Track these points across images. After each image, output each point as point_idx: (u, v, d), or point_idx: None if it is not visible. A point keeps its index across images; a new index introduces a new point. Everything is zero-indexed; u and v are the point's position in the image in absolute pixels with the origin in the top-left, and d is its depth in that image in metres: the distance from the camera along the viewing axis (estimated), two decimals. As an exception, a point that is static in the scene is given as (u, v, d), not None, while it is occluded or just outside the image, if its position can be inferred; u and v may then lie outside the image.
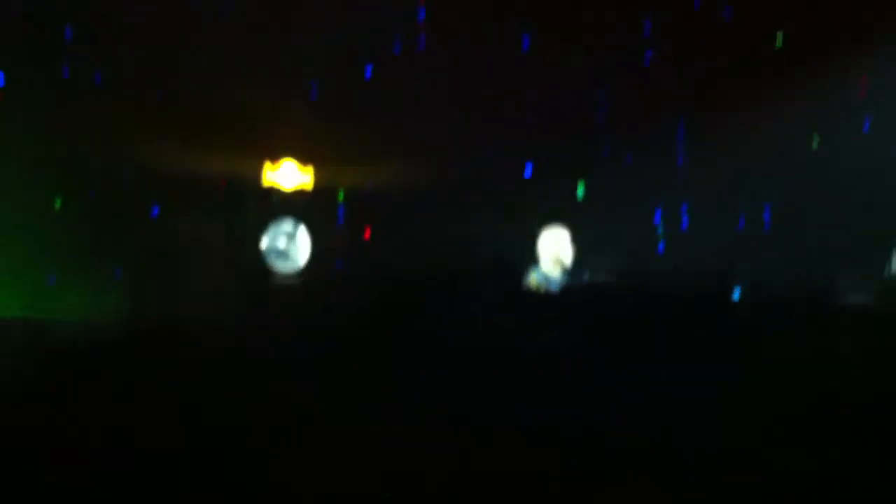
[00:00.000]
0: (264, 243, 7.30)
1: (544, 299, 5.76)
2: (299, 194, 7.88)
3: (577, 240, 6.36)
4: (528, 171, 8.51)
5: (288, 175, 7.92)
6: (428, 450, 3.50)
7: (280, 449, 3.52)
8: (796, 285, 6.72)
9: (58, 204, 7.66)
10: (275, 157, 8.03)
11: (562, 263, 6.30)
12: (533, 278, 6.25)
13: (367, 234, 8.18)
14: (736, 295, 5.66)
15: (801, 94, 7.76)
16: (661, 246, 8.43)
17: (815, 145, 8.11)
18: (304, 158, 8.08)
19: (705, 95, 8.17)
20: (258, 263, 7.17)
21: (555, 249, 6.30)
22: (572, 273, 6.31)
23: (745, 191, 8.23)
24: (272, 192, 7.87)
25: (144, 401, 3.70)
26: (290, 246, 7.36)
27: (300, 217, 7.50)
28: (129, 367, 3.93)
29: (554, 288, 6.17)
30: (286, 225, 7.46)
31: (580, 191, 8.40)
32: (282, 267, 7.26)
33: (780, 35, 8.23)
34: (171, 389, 3.78)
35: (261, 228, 7.48)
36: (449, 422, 3.66)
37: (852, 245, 7.38)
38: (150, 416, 3.62)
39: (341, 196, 8.23)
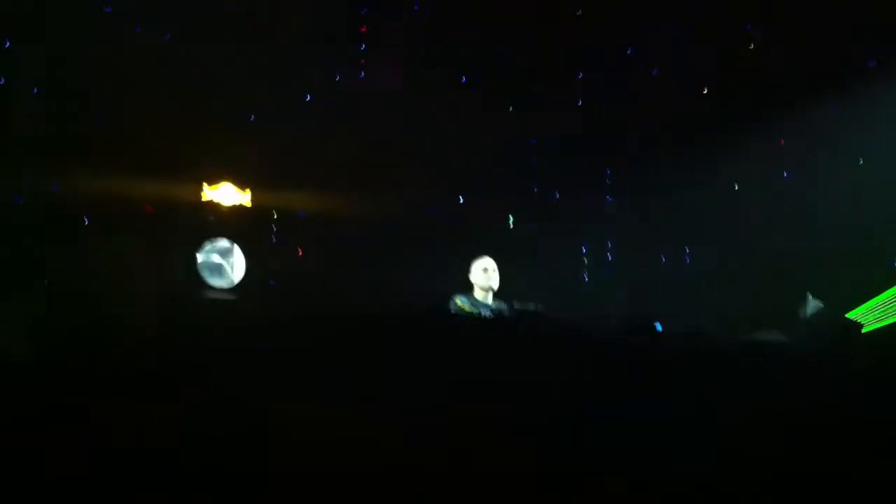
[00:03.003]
0: (199, 259, 7.35)
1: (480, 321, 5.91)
2: (236, 214, 7.95)
3: (505, 271, 6.57)
4: (459, 204, 8.71)
5: (225, 195, 8.00)
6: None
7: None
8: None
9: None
10: (213, 179, 8.11)
11: (492, 291, 6.51)
12: (461, 303, 6.43)
13: (300, 254, 8.29)
14: (658, 326, 5.83)
15: (724, 140, 8.11)
16: (584, 277, 8.68)
17: (735, 188, 8.45)
18: (242, 181, 8.18)
19: (632, 137, 8.47)
20: (192, 278, 7.20)
21: (485, 278, 6.51)
22: (502, 301, 6.50)
23: (668, 231, 8.53)
24: (209, 212, 7.92)
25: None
26: (226, 262, 7.42)
27: (236, 235, 7.57)
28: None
29: (486, 313, 6.36)
30: (222, 242, 7.52)
31: (510, 224, 8.65)
32: (216, 283, 7.33)
33: (705, 89, 8.59)
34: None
35: (196, 246, 7.51)
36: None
37: (769, 285, 7.69)
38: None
39: (275, 217, 8.32)
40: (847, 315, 6.67)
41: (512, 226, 8.72)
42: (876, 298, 7.49)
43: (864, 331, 6.35)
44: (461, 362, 4.18)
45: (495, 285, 6.53)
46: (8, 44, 7.84)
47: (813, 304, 7.00)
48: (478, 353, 4.31)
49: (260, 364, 4.10)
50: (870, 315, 7.33)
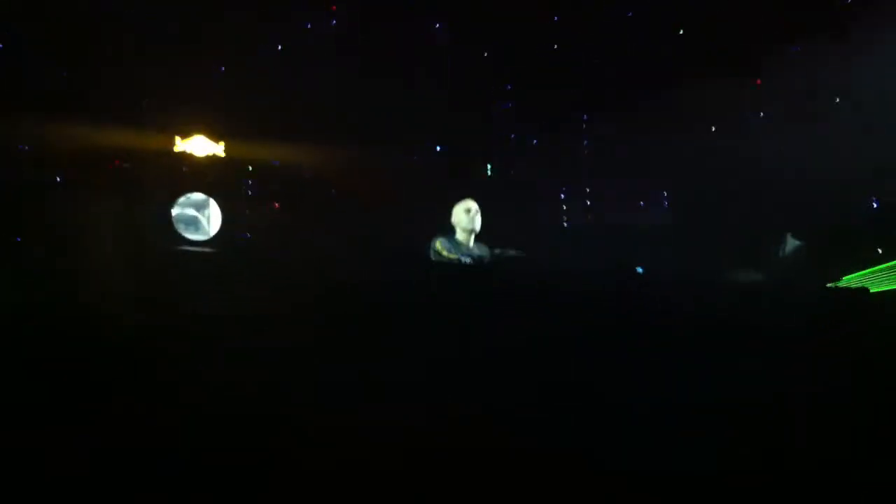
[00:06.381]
0: (175, 212, 7.28)
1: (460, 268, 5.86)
2: (211, 166, 7.88)
3: (485, 218, 6.47)
4: (437, 152, 8.67)
5: (199, 147, 7.92)
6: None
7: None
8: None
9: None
10: (186, 132, 8.02)
11: (474, 233, 6.40)
12: (441, 247, 6.32)
13: (276, 206, 8.25)
14: (639, 269, 5.83)
15: (700, 89, 8.06)
16: (564, 222, 8.70)
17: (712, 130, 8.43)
18: (216, 133, 8.09)
19: (608, 80, 8.42)
20: (167, 232, 7.14)
21: (467, 219, 6.40)
22: (483, 246, 6.43)
23: (646, 175, 8.52)
24: (183, 164, 7.85)
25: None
26: (201, 215, 7.36)
27: (211, 188, 7.49)
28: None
29: (466, 260, 6.28)
30: (196, 195, 7.45)
31: (489, 171, 8.62)
32: (192, 235, 7.28)
33: (681, 30, 8.53)
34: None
35: (172, 200, 7.44)
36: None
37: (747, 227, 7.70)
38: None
39: (252, 169, 8.26)
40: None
41: (490, 173, 8.69)
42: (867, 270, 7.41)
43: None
44: (444, 328, 4.15)
45: (477, 227, 6.42)
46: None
47: (792, 244, 7.04)
48: (460, 311, 4.28)
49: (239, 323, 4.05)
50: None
